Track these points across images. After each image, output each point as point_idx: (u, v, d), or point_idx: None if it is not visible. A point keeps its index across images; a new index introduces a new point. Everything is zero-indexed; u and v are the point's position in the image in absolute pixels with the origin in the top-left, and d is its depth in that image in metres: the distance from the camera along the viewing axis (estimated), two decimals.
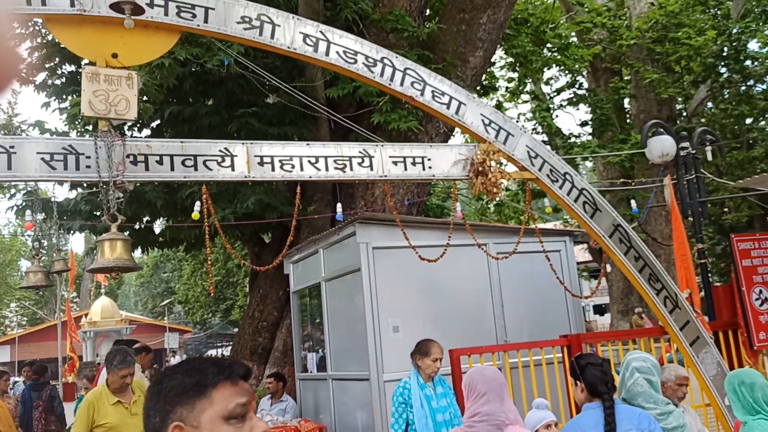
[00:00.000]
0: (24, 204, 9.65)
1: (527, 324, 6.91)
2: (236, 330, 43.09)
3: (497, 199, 5.64)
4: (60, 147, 4.15)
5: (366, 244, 6.44)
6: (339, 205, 5.64)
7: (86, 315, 38.08)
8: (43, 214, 9.61)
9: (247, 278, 35.68)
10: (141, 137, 8.76)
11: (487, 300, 6.84)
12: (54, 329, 36.16)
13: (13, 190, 9.68)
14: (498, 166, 5.12)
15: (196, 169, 4.45)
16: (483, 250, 5.64)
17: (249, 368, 1.48)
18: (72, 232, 9.56)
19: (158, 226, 10.68)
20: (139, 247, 10.96)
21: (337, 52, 4.79)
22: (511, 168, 5.36)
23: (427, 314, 6.53)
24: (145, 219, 10.08)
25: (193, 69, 8.70)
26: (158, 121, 9.92)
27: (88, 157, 4.18)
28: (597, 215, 5.36)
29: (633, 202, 6.84)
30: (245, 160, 4.58)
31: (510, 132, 5.22)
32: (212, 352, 44.68)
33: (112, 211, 4.13)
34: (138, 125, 9.83)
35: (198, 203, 4.76)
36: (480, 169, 4.99)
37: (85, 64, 9.04)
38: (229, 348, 38.96)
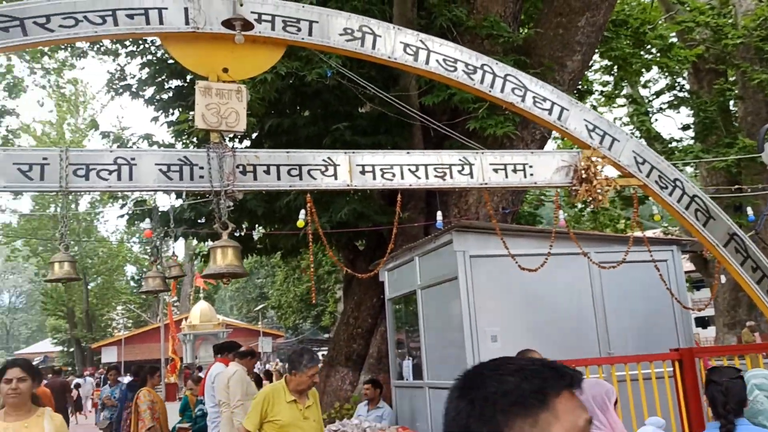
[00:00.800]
0: (134, 213, 10.22)
1: (632, 336, 6.65)
2: (326, 336, 43.84)
3: (601, 206, 5.47)
4: (176, 158, 4.37)
5: (463, 252, 6.40)
6: (439, 213, 5.64)
7: (186, 318, 39.81)
8: (158, 221, 10.14)
9: (337, 285, 36.27)
10: (240, 148, 9.09)
11: (588, 311, 6.64)
12: (157, 331, 37.99)
13: (122, 201, 10.24)
14: (601, 172, 4.98)
15: (300, 179, 4.57)
16: (588, 259, 5.48)
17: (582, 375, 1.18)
18: (177, 239, 10.04)
19: (257, 234, 11.02)
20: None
21: (437, 60, 4.81)
22: (612, 172, 5.20)
23: (525, 324, 6.41)
24: (244, 226, 10.44)
25: (291, 82, 8.96)
26: (256, 133, 10.27)
27: (201, 168, 4.37)
28: (710, 223, 5.12)
29: (749, 210, 6.47)
30: (347, 169, 4.66)
31: (615, 137, 5.07)
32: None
33: (223, 219, 4.30)
34: (239, 137, 10.19)
35: (303, 211, 4.87)
36: (584, 176, 4.87)
37: (192, 79, 9.48)
38: (320, 353, 39.56)
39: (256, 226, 10.29)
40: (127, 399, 8.66)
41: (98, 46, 12.23)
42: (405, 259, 7.70)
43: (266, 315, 54.04)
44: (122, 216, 10.23)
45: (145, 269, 55.93)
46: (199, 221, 10.09)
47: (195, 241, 13.87)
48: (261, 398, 4.40)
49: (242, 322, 51.60)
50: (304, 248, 11.21)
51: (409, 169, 4.79)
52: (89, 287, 46.50)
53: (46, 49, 20.00)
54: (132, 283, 55.66)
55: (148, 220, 5.22)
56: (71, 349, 47.16)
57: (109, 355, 41.96)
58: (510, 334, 6.24)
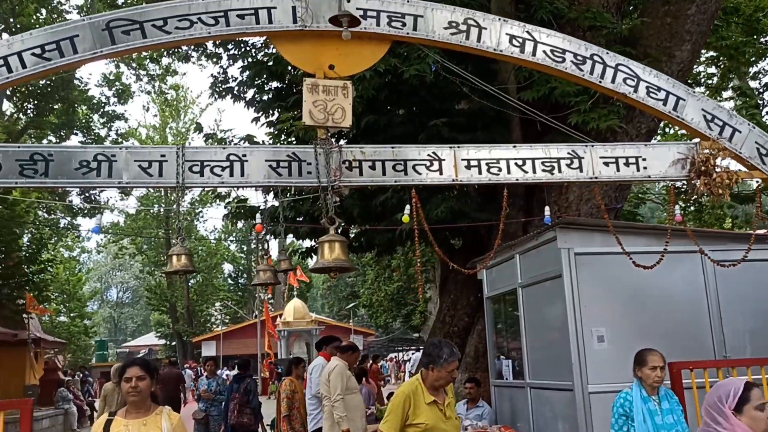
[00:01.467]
0: (235, 211, 10.54)
1: (750, 339, 6.26)
2: (416, 335, 43.75)
3: (722, 201, 5.17)
4: (284, 155, 4.46)
5: (567, 249, 6.22)
6: (547, 209, 5.48)
7: (280, 315, 40.86)
8: (266, 217, 10.45)
9: (428, 285, 36.22)
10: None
11: (702, 311, 6.29)
12: (253, 327, 39.22)
13: (221, 202, 10.59)
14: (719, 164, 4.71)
15: (405, 174, 4.56)
16: (706, 257, 5.20)
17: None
18: (278, 236, 10.29)
19: (353, 232, 11.14)
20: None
21: (544, 52, 4.69)
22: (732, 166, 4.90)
23: (634, 324, 6.14)
24: (340, 225, 10.57)
25: (387, 79, 8.99)
26: (353, 132, 10.39)
27: (309, 164, 4.45)
28: None
29: None
30: (452, 163, 4.62)
31: (736, 128, 4.78)
32: (392, 356, 45.92)
33: (330, 215, 4.36)
34: (336, 135, 10.35)
35: (408, 207, 4.86)
36: (702, 168, 4.62)
37: (290, 80, 9.64)
38: (410, 352, 39.55)
39: (353, 225, 10.39)
40: (233, 390, 9.02)
41: (202, 48, 12.72)
42: (505, 256, 7.57)
43: (357, 313, 54.75)
44: (226, 215, 10.58)
45: (241, 267, 57.98)
46: (297, 219, 10.31)
47: (289, 239, 14.15)
48: (401, 399, 3.87)
49: (334, 319, 52.49)
50: (399, 246, 11.26)
51: (516, 164, 4.70)
52: (190, 284, 48.54)
53: (152, 54, 21.02)
54: (229, 281, 57.79)
55: (258, 216, 5.35)
56: (173, 343, 49.40)
57: (208, 349, 43.63)
58: (617, 334, 6.02)
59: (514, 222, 9.31)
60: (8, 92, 20.90)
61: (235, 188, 9.49)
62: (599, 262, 6.21)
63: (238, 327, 45.22)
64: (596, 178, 4.73)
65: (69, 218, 33.42)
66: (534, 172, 4.70)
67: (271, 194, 11.62)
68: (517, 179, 4.70)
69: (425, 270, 34.86)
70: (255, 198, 10.64)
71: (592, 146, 4.85)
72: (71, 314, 42.62)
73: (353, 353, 6.88)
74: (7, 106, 22.78)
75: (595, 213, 8.43)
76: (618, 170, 4.73)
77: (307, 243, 11.31)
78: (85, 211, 24.86)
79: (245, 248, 57.46)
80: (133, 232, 46.61)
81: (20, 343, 18.86)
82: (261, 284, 5.25)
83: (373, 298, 40.30)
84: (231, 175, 4.34)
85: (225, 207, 10.58)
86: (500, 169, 4.67)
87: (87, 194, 22.97)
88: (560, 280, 6.23)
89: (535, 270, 6.89)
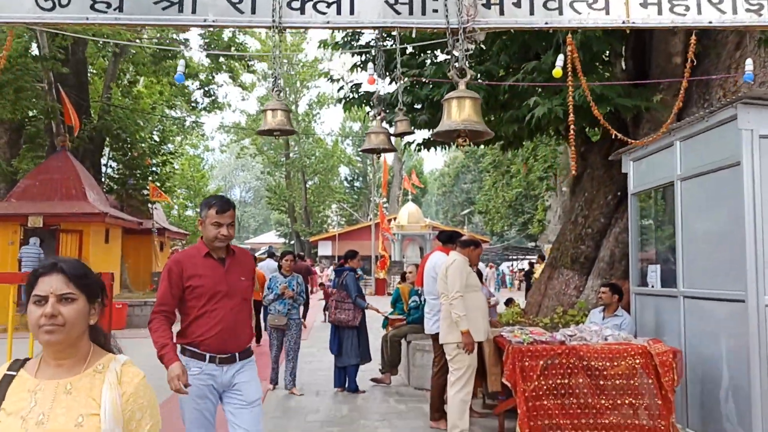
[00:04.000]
0: (350, 98, 9.78)
1: None
2: (533, 244, 42.67)
3: None
4: None
5: (751, 131, 4.99)
6: (749, 62, 4.23)
7: (394, 219, 40.97)
8: (381, 67, 9.67)
9: (549, 193, 34.68)
10: None
11: None
12: (367, 230, 39.59)
13: (339, 84, 9.79)
14: None
15: (560, 13, 3.52)
16: None
17: None
18: (391, 124, 9.48)
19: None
20: (454, 146, 10.49)
21: None
22: None
23: None
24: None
25: None
26: None
27: (435, 0, 3.51)
28: None
29: None
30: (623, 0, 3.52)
31: None
32: (507, 264, 45.19)
33: (460, 65, 3.44)
34: None
35: (560, 57, 3.84)
36: None
37: None
38: (526, 261, 38.67)
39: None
40: (333, 285, 8.57)
41: None
42: (660, 144, 6.36)
43: (472, 220, 54.08)
44: (339, 100, 9.85)
45: (357, 171, 58.41)
46: (415, 107, 9.43)
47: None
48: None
49: (448, 226, 52.18)
50: (528, 139, 10.15)
51: (710, 1, 3.52)
52: (307, 186, 49.47)
53: None
54: (345, 183, 58.47)
55: (370, 65, 4.49)
56: (292, 242, 51.11)
57: (324, 249, 44.79)
58: None
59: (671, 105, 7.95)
60: None
61: (343, 30, 8.63)
62: None
63: (354, 228, 45.94)
64: None
65: (194, 117, 34.30)
66: (735, 12, 3.52)
67: (387, 80, 10.77)
68: (710, 22, 3.53)
69: (546, 177, 33.30)
70: (367, 37, 9.65)
71: None
72: (196, 209, 44.71)
73: (475, 248, 6.06)
74: None
75: None
76: None
77: (425, 134, 10.45)
78: (207, 108, 25.11)
79: (370, 108, 57.41)
80: (252, 131, 47.58)
81: (146, 232, 19.66)
82: (372, 150, 4.45)
83: (490, 205, 39.25)
84: (338, 12, 3.48)
85: (338, 91, 9.81)
86: (688, 8, 3.52)
87: (207, 89, 23.10)
88: (737, 170, 5.06)
89: (702, 158, 5.68)
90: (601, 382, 5.12)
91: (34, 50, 17.69)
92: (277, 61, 3.49)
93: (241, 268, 3.67)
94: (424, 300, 7.09)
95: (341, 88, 9.74)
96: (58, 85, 17.05)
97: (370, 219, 44.01)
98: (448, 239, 6.60)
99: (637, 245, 7.09)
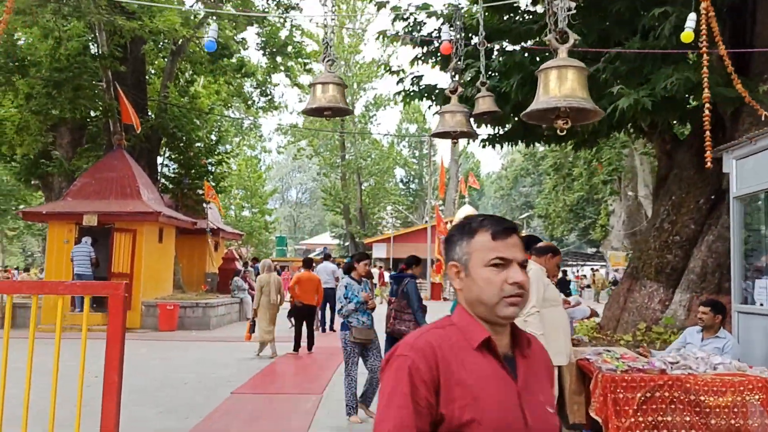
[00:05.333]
0: (410, 91, 9.10)
1: None
2: (593, 250, 41.08)
3: None
4: None
5: None
6: None
7: (451, 222, 40.06)
8: (460, 31, 9.00)
9: (612, 197, 33.24)
10: None
11: None
12: (422, 232, 38.79)
13: (395, 75, 9.05)
14: None
15: None
16: None
17: None
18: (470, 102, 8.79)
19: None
20: (521, 142, 9.65)
21: None
22: None
23: None
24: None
25: None
26: None
27: None
28: None
29: None
30: None
31: None
32: (565, 270, 43.62)
33: (561, 27, 2.71)
34: None
35: (692, 16, 3.06)
36: None
37: None
38: (586, 267, 37.21)
39: None
40: (391, 293, 7.83)
41: None
42: None
43: (530, 224, 52.67)
44: (398, 93, 9.19)
45: (413, 173, 57.67)
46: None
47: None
48: None
49: None
50: (606, 135, 9.27)
51: None
52: (363, 187, 49.08)
53: None
54: (400, 185, 57.85)
55: (444, 29, 3.78)
56: (346, 243, 50.77)
57: (379, 251, 44.22)
58: None
59: None
60: None
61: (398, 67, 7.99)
62: None
63: (409, 231, 45.26)
64: None
65: (251, 118, 34.25)
66: None
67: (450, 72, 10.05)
68: None
69: (611, 180, 31.89)
70: (430, 27, 8.92)
71: None
72: (253, 210, 44.86)
73: (553, 256, 5.26)
74: None
75: None
76: None
77: (489, 130, 9.69)
78: (264, 108, 24.81)
79: (417, 153, 56.82)
80: (309, 132, 47.44)
81: (200, 232, 19.42)
82: (445, 135, 3.73)
83: (550, 209, 37.97)
84: None
85: (397, 84, 9.14)
86: None
87: (263, 88, 22.81)
88: None
89: None
90: (712, 421, 4.28)
91: (92, 50, 17.67)
92: (329, 27, 2.83)
93: (539, 380, 1.67)
94: None
95: (401, 80, 9.07)
96: (115, 84, 16.94)
97: (426, 221, 43.20)
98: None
99: (740, 256, 6.17)
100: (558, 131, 2.70)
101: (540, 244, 5.41)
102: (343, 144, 48.47)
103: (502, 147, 9.54)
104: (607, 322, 8.50)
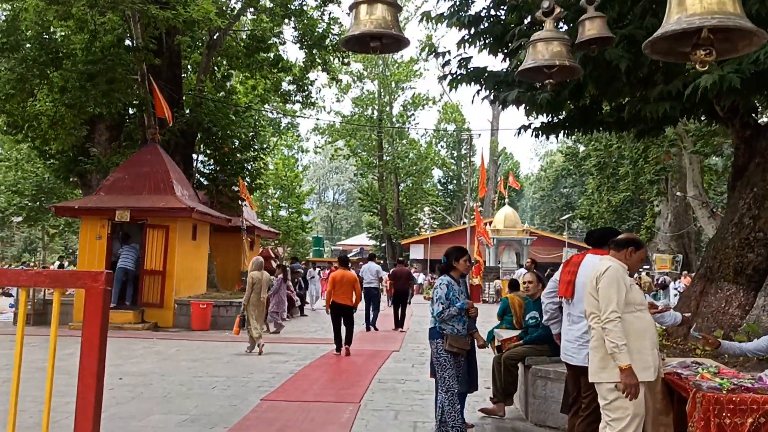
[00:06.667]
0: (456, 74, 8.40)
1: None
2: None
3: None
4: None
5: None
6: None
7: (490, 223, 39.17)
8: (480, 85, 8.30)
9: (659, 198, 31.86)
10: None
11: None
12: (461, 233, 37.95)
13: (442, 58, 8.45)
14: None
15: None
16: None
17: None
18: (507, 105, 8.04)
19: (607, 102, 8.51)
20: (575, 130, 8.86)
21: None
22: None
23: None
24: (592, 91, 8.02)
25: None
26: None
27: None
28: None
29: None
30: None
31: None
32: None
33: None
34: None
35: None
36: None
37: None
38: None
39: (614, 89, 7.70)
40: None
41: None
42: None
43: (571, 226, 51.29)
44: (442, 77, 8.47)
45: (451, 173, 56.71)
46: (535, 85, 7.91)
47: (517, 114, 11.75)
48: None
49: (546, 231, 49.69)
50: (681, 118, 8.40)
51: None
52: (400, 188, 48.42)
53: None
54: (438, 186, 57.01)
55: None
56: (383, 244, 50.13)
57: (416, 252, 43.54)
58: None
59: None
60: None
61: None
62: None
63: (447, 232, 44.51)
64: None
65: (289, 117, 33.85)
66: None
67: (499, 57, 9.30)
68: None
69: (657, 181, 30.55)
70: (477, 6, 8.21)
71: None
72: (290, 209, 44.52)
73: (636, 250, 4.43)
74: None
75: None
76: None
77: (541, 118, 8.91)
78: (302, 102, 24.26)
79: (455, 153, 55.90)
80: (347, 134, 46.99)
81: (235, 229, 18.95)
82: (534, 72, 2.98)
83: (593, 210, 36.62)
84: None
85: (443, 66, 8.40)
86: None
87: (300, 84, 22.28)
88: None
89: None
90: None
91: (127, 43, 17.34)
92: None
93: None
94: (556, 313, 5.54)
95: (447, 62, 8.33)
96: (149, 77, 16.57)
97: (464, 222, 42.32)
98: (600, 239, 5.02)
99: None
100: (697, 64, 1.98)
101: (620, 237, 4.62)
102: (380, 144, 47.88)
103: (557, 137, 8.75)
104: (676, 328, 7.63)
